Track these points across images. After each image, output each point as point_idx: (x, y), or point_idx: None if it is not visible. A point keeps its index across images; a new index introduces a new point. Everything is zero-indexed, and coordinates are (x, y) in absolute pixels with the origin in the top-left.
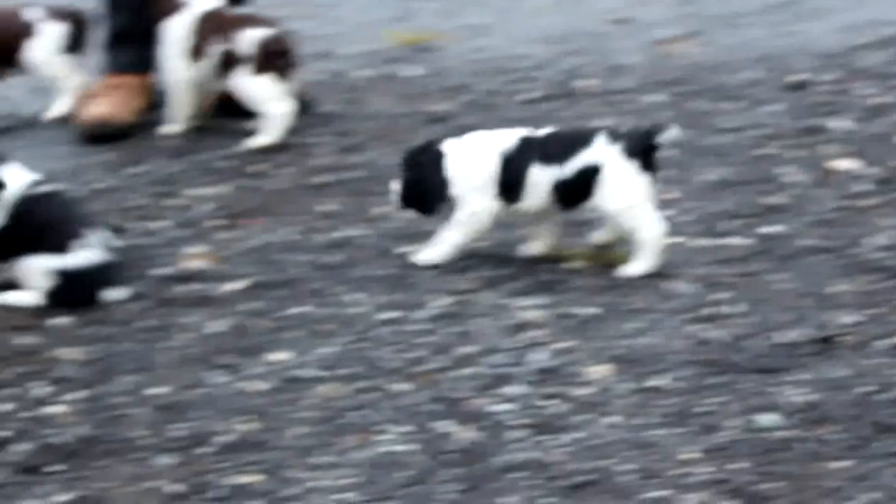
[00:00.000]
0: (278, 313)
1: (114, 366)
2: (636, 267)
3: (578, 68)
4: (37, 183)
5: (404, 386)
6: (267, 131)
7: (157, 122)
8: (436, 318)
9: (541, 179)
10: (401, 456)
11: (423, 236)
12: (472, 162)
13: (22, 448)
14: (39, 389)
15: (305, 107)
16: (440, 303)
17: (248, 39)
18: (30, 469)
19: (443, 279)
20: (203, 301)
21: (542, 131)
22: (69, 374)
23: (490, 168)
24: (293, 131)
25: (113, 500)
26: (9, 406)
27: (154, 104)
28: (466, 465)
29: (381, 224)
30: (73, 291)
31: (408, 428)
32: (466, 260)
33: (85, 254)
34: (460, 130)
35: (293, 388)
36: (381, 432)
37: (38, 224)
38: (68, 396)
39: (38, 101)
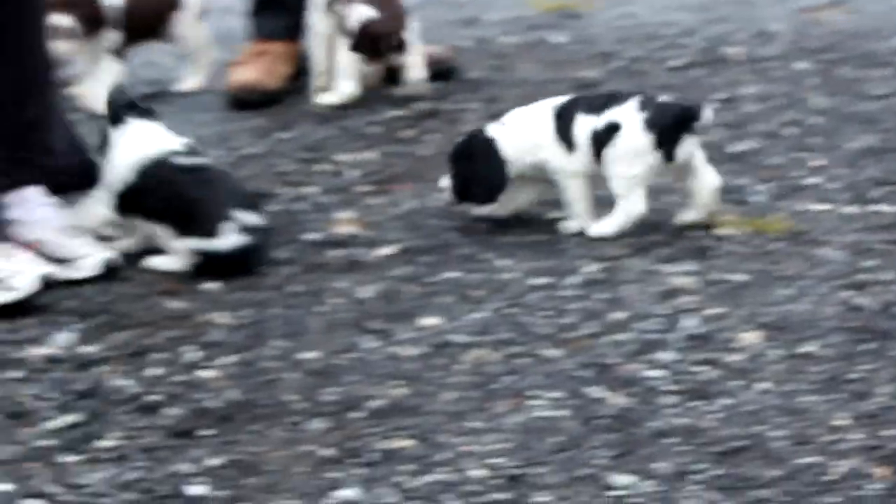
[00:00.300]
0: (428, 279)
1: (264, 330)
2: (605, 225)
3: (725, 35)
4: (188, 151)
5: (556, 352)
6: (332, 94)
7: (304, 88)
8: (586, 285)
9: (582, 129)
10: (553, 421)
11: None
12: (527, 132)
13: (174, 412)
14: (191, 354)
15: (451, 73)
16: (589, 269)
17: (354, 14)
18: (182, 433)
19: (591, 245)
20: (353, 266)
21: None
22: (220, 339)
23: (548, 128)
24: (441, 97)
25: (265, 464)
26: (160, 370)
27: (301, 71)
28: (618, 430)
29: None
30: (219, 271)
31: (560, 393)
32: None
33: (232, 237)
34: None
35: (444, 354)
36: (534, 398)
37: (186, 203)
38: (219, 361)
39: (185, 68)
